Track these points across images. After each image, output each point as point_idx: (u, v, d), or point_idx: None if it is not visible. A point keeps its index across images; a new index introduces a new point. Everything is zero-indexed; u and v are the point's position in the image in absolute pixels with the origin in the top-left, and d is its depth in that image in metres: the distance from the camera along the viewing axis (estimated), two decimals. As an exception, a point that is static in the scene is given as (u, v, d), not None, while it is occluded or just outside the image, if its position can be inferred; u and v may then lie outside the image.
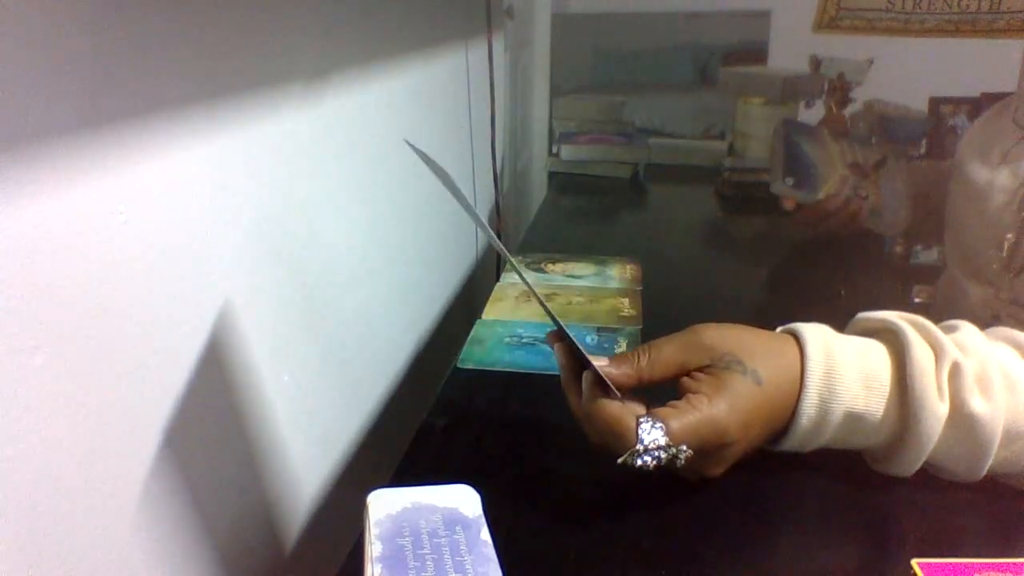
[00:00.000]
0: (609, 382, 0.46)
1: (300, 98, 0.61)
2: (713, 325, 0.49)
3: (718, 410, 0.45)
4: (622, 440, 0.44)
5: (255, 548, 0.59)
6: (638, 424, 0.44)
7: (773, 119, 1.32)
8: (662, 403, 0.46)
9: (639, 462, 0.43)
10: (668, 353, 0.48)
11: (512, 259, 0.44)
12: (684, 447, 0.44)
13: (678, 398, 0.46)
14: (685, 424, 0.44)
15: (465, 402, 0.63)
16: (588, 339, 0.72)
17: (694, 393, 0.46)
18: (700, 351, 0.48)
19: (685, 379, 0.48)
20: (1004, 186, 0.72)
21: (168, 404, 0.47)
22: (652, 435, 0.43)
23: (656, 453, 0.43)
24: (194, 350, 0.49)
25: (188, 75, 0.46)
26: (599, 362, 0.47)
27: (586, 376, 0.48)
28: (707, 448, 0.45)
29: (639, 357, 0.48)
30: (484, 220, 0.44)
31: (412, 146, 0.46)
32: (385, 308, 0.85)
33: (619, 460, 0.44)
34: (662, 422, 0.44)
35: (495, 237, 0.43)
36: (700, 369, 0.47)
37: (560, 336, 0.51)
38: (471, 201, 1.22)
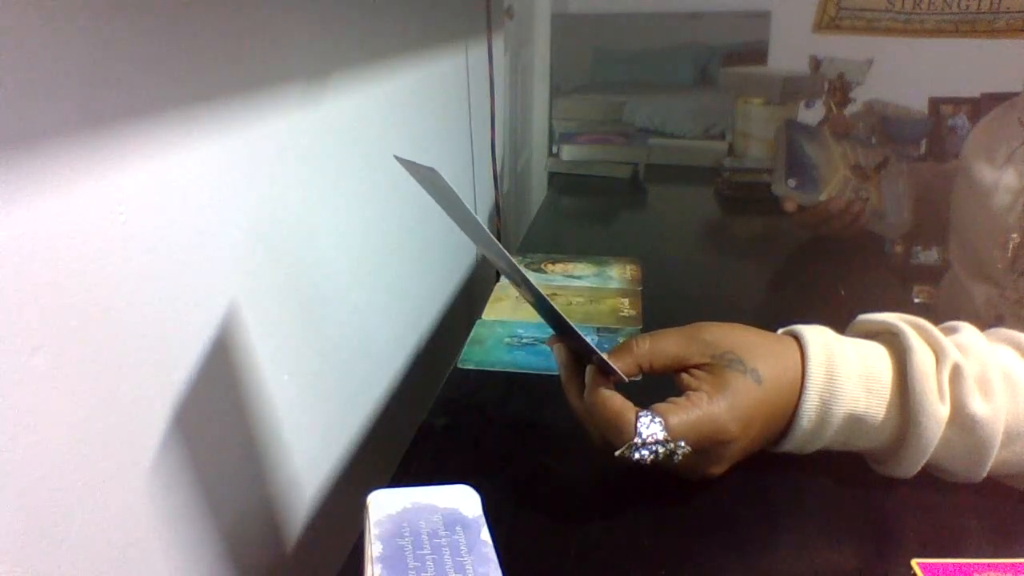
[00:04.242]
0: (614, 367, 0.46)
1: (300, 98, 0.61)
2: (715, 323, 0.49)
3: (717, 408, 0.45)
4: (621, 433, 0.44)
5: (256, 548, 0.59)
6: (637, 418, 0.44)
7: (773, 119, 1.32)
8: (663, 400, 0.46)
9: (636, 455, 0.44)
10: (669, 344, 0.49)
11: (517, 267, 0.44)
12: (682, 443, 0.44)
13: (678, 395, 0.46)
14: (684, 420, 0.44)
15: (465, 402, 0.63)
16: (588, 339, 0.72)
17: (694, 390, 0.46)
18: (701, 347, 0.48)
19: (685, 376, 0.48)
20: (1009, 186, 0.72)
21: (168, 404, 0.47)
22: (651, 429, 0.43)
23: (654, 447, 0.44)
24: (194, 350, 0.49)
25: (188, 75, 0.46)
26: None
27: (589, 369, 0.48)
28: (705, 445, 0.45)
29: (639, 344, 0.49)
30: (489, 233, 0.43)
31: (406, 161, 0.45)
32: (385, 308, 0.85)
33: (616, 453, 0.44)
34: (661, 417, 0.44)
35: (503, 251, 0.43)
36: (700, 366, 0.48)
37: (559, 338, 0.51)
38: (472, 201, 1.22)
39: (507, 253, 0.43)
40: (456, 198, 0.41)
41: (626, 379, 0.47)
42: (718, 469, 0.48)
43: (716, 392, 0.45)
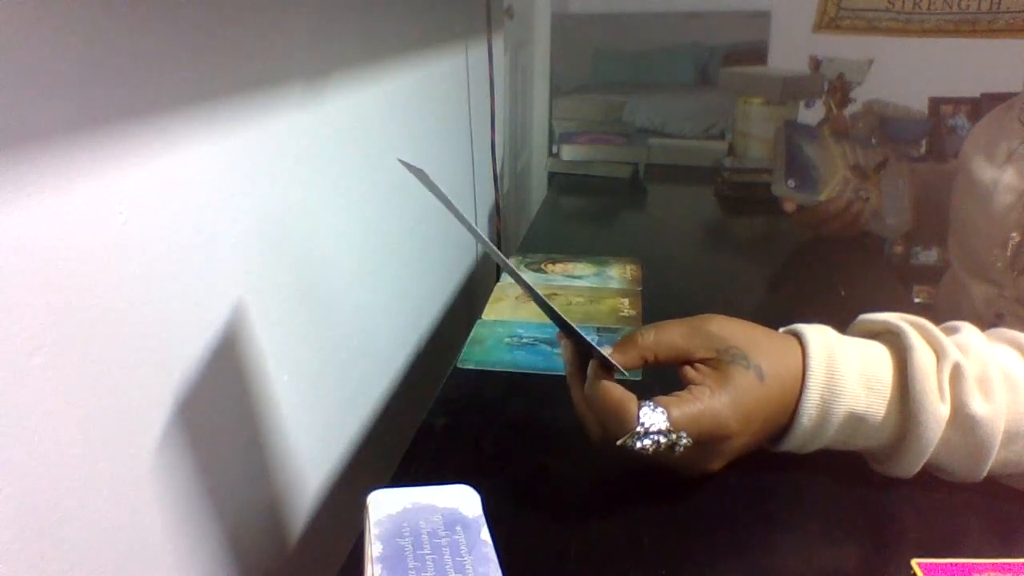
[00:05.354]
0: (616, 364, 0.46)
1: (300, 98, 0.61)
2: (721, 316, 0.49)
3: (719, 402, 0.45)
4: (623, 422, 0.44)
5: (256, 548, 0.59)
6: (639, 407, 0.44)
7: (773, 119, 1.32)
8: (665, 393, 0.46)
9: (638, 444, 0.44)
10: (674, 336, 0.49)
11: (511, 266, 0.44)
12: (684, 434, 0.44)
13: (681, 389, 0.46)
14: (686, 412, 0.44)
15: (465, 402, 0.63)
16: (588, 339, 0.72)
17: (697, 384, 0.46)
18: (706, 340, 0.48)
19: (688, 369, 0.48)
20: (1009, 185, 0.72)
21: (168, 404, 0.47)
22: (653, 418, 0.44)
23: (656, 437, 0.44)
24: (194, 350, 0.49)
25: (188, 75, 0.46)
26: (604, 350, 0.48)
27: (592, 363, 0.48)
28: (706, 440, 0.45)
29: (643, 336, 0.49)
30: (484, 235, 0.44)
31: (405, 163, 0.46)
32: (385, 308, 0.85)
33: (618, 442, 0.44)
34: (663, 407, 0.44)
35: (495, 249, 0.43)
36: (703, 360, 0.48)
37: (566, 334, 0.51)
38: (472, 201, 1.22)
39: (500, 253, 0.43)
40: (448, 199, 0.42)
41: (627, 374, 0.47)
42: (716, 465, 0.48)
43: (718, 387, 0.45)
